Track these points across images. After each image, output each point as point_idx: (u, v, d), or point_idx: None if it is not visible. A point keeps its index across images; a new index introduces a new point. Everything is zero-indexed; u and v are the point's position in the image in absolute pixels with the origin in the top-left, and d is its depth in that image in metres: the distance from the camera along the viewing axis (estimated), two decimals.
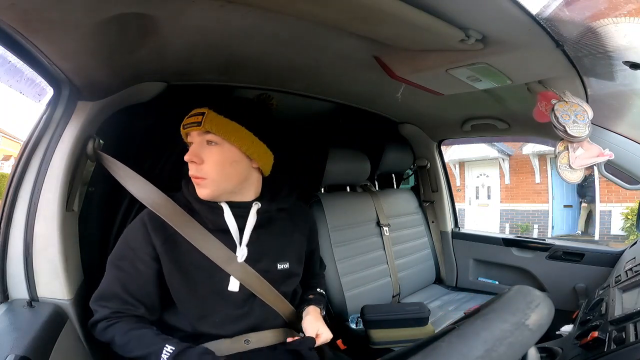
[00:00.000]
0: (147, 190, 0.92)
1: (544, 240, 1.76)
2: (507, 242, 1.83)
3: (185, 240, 0.88)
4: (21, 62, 0.76)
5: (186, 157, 0.87)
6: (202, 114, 0.87)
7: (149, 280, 0.87)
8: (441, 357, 0.35)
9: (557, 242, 1.70)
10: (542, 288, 1.67)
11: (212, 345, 0.88)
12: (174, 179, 1.16)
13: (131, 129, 1.15)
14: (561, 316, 1.56)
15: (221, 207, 0.91)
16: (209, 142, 0.88)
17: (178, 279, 0.87)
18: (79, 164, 0.94)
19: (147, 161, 1.14)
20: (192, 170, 0.88)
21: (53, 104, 0.89)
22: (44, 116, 0.89)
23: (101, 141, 0.98)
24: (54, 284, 0.88)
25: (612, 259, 1.45)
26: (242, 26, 0.83)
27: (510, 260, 1.81)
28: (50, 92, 0.88)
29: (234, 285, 0.90)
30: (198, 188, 0.89)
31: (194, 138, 0.89)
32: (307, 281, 1.15)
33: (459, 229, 2.08)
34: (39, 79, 0.83)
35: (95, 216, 1.10)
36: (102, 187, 1.10)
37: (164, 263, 0.87)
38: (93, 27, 0.67)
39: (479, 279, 1.94)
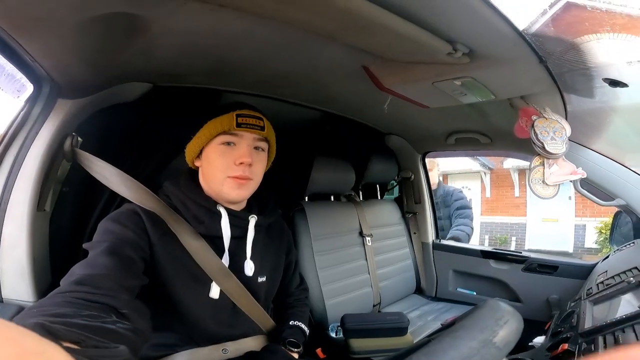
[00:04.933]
0: (132, 187, 0.86)
1: (520, 252, 1.80)
2: (485, 254, 1.87)
3: (176, 239, 0.84)
4: (2, 58, 0.74)
5: (244, 159, 0.85)
6: (261, 118, 0.89)
7: (134, 268, 0.74)
8: None
9: (533, 255, 1.74)
10: (517, 299, 1.72)
11: (187, 354, 0.86)
12: (155, 181, 1.14)
13: (112, 128, 1.12)
14: (535, 327, 1.52)
15: (220, 212, 0.89)
16: (256, 148, 0.89)
17: (162, 278, 0.82)
18: (53, 163, 0.91)
19: (126, 162, 1.11)
20: (241, 171, 0.86)
21: (32, 101, 0.86)
22: (22, 113, 0.86)
23: (79, 139, 0.95)
24: (20, 285, 0.85)
25: (584, 272, 1.49)
26: (232, 31, 0.82)
27: (487, 272, 1.85)
28: (30, 88, 0.85)
29: (214, 293, 0.87)
30: (238, 189, 0.87)
31: (247, 139, 0.88)
32: (283, 300, 1.13)
33: (440, 241, 2.11)
34: (20, 75, 0.81)
35: (68, 217, 1.06)
36: (77, 187, 1.06)
37: (157, 258, 0.81)
38: (79, 26, 0.65)
39: (458, 289, 1.97)
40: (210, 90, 1.23)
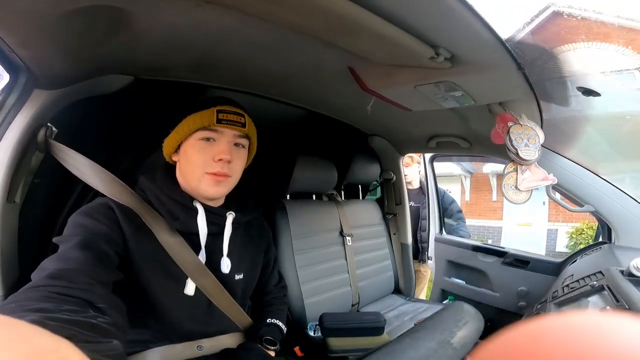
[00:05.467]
0: (106, 179, 0.84)
1: (503, 248, 1.96)
2: (475, 248, 2.07)
3: (150, 234, 0.82)
4: None
5: (223, 156, 0.84)
6: (242, 115, 0.88)
7: (108, 262, 0.72)
8: None
9: (512, 251, 1.90)
10: (494, 289, 1.91)
11: (160, 351, 0.85)
12: (131, 176, 1.11)
13: (90, 120, 1.09)
14: (506, 316, 1.77)
15: (196, 208, 0.87)
16: (236, 144, 0.88)
17: (138, 274, 0.81)
18: (26, 154, 0.87)
19: (103, 155, 1.08)
20: (219, 167, 0.84)
21: (7, 90, 0.83)
22: None
23: (54, 129, 0.92)
24: None
25: (551, 268, 1.64)
26: (218, 27, 0.81)
27: (475, 264, 2.01)
28: (6, 78, 0.83)
29: (189, 289, 0.86)
30: (216, 186, 0.86)
31: (227, 136, 0.86)
32: (261, 297, 1.13)
33: (442, 234, 2.37)
34: None
35: (39, 210, 1.02)
36: (49, 179, 1.03)
37: (131, 253, 0.79)
38: (60, 18, 0.63)
39: (452, 278, 2.16)
40: (193, 85, 1.21)
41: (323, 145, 1.99)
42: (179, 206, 0.86)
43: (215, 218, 0.90)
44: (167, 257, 0.83)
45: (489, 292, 1.93)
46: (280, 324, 1.06)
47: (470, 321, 0.43)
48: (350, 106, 1.50)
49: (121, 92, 1.05)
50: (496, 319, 1.89)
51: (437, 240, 2.31)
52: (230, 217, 0.92)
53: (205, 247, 0.88)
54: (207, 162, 0.85)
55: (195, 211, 0.87)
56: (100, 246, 0.72)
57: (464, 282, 2.09)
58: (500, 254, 1.91)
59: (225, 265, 0.91)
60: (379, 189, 2.31)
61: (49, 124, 0.90)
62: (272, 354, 0.98)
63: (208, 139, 0.85)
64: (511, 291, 1.78)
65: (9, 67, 0.80)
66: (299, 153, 1.61)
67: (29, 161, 0.90)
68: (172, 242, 0.84)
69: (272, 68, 1.10)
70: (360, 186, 2.20)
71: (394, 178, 2.10)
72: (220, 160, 0.84)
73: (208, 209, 0.89)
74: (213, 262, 0.90)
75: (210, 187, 0.86)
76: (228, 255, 0.92)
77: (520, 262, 1.81)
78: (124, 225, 0.79)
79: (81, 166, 0.86)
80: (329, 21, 0.72)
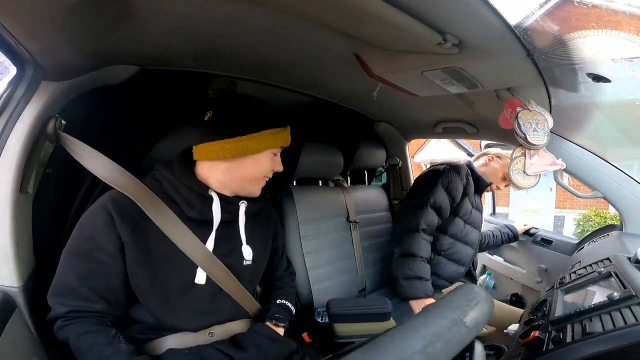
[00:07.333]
0: (113, 171, 0.87)
1: (537, 227, 2.08)
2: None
3: (154, 228, 0.84)
4: None
5: (280, 169, 0.99)
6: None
7: (112, 273, 0.82)
8: (382, 351, 0.36)
9: (541, 230, 2.02)
10: (522, 266, 2.07)
11: (174, 338, 0.87)
12: (139, 164, 1.12)
13: (97, 111, 1.09)
14: (527, 292, 1.92)
15: (211, 197, 0.91)
16: (274, 153, 0.98)
17: (142, 271, 0.84)
18: (37, 145, 0.89)
19: (111, 145, 1.09)
20: (270, 174, 0.99)
21: (15, 83, 0.84)
22: (4, 95, 0.84)
23: (63, 122, 0.93)
24: (3, 270, 0.83)
25: (569, 248, 1.72)
26: (223, 15, 0.81)
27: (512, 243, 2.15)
28: (13, 70, 0.83)
29: (200, 278, 0.88)
30: (260, 187, 0.98)
31: (280, 149, 1.00)
32: (270, 283, 1.15)
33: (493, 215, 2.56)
34: (3, 58, 0.79)
35: (51, 199, 1.03)
36: (60, 169, 1.04)
37: (129, 254, 0.83)
38: (67, 9, 0.63)
39: (494, 255, 2.34)
40: (198, 74, 1.21)
41: (328, 132, 1.98)
42: (195, 195, 0.89)
43: (229, 207, 0.94)
44: (175, 249, 0.86)
45: (517, 269, 2.07)
46: (289, 304, 1.09)
47: (481, 302, 0.43)
48: (356, 92, 1.49)
49: (127, 82, 1.05)
50: (520, 294, 2.04)
51: (486, 220, 2.42)
52: (242, 205, 0.96)
53: (217, 235, 0.91)
54: (269, 170, 0.97)
55: (211, 200, 0.90)
56: (103, 276, 0.82)
57: (502, 259, 2.25)
58: (531, 233, 2.04)
59: (247, 253, 0.96)
60: (384, 174, 2.30)
61: (57, 116, 0.91)
62: (281, 331, 1.00)
63: (275, 154, 0.98)
64: (534, 268, 1.90)
65: (16, 60, 0.80)
66: (305, 139, 1.61)
67: (39, 152, 0.91)
68: (179, 234, 0.86)
69: (277, 55, 1.09)
70: (366, 172, 2.20)
71: (400, 163, 2.09)
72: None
73: (223, 198, 0.92)
74: (223, 250, 0.92)
75: (259, 188, 0.98)
76: (237, 242, 0.95)
77: (545, 241, 1.93)
78: (121, 232, 0.82)
79: (89, 157, 0.88)
80: (335, 7, 0.71)
